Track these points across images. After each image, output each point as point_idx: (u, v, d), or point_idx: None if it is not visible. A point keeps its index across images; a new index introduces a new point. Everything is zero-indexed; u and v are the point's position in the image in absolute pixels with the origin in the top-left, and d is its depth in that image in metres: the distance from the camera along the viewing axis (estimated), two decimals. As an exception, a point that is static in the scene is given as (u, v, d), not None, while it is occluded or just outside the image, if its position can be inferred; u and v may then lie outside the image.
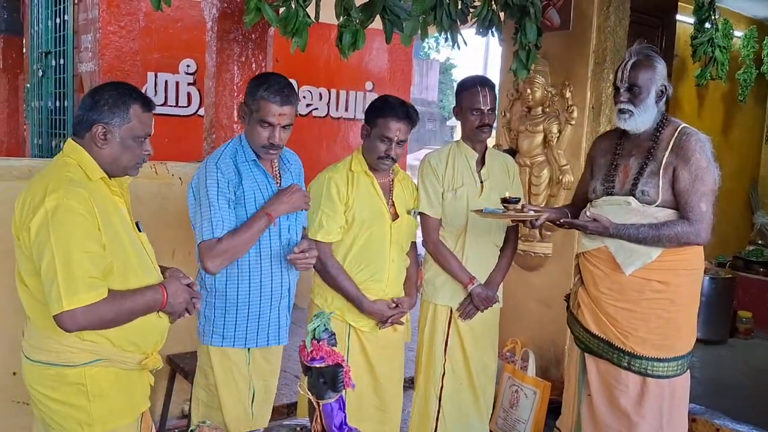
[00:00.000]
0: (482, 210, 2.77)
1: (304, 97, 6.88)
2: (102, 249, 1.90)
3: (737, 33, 5.80)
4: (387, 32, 3.34)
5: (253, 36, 3.89)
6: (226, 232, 2.35)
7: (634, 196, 2.60)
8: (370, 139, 2.77)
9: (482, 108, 2.95)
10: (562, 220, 2.67)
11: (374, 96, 7.31)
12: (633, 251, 2.59)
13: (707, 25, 5.03)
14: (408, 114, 2.75)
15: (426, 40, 16.54)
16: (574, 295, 2.86)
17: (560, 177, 3.78)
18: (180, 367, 3.49)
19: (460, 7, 3.49)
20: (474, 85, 2.98)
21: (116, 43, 5.59)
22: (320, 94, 6.95)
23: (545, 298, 3.91)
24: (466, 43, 3.60)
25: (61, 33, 6.19)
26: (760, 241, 6.15)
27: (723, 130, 6.19)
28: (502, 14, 3.55)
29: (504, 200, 2.70)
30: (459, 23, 3.49)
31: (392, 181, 2.91)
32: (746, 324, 5.46)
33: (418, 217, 3.03)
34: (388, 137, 2.72)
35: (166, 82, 5.95)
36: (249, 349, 2.54)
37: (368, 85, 7.28)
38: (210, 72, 3.95)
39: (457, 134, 12.70)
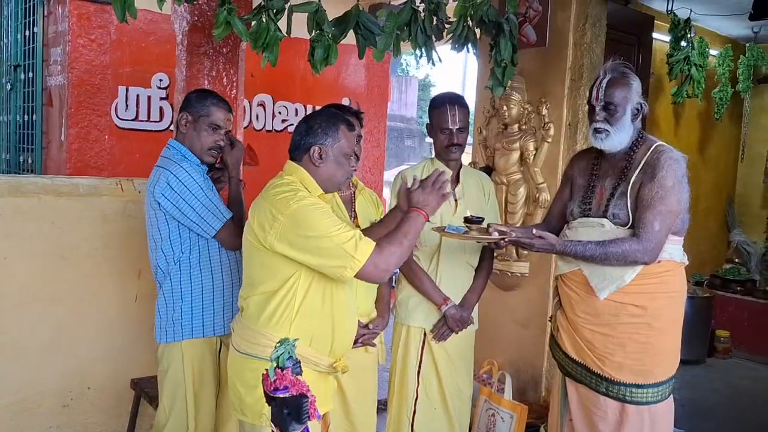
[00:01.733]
0: (444, 228, 2.68)
1: (279, 112, 6.75)
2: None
3: (713, 52, 5.80)
4: (360, 48, 3.31)
5: (224, 50, 3.79)
6: None
7: (607, 217, 2.53)
8: None
9: (451, 127, 2.88)
10: (506, 240, 2.57)
11: (351, 112, 7.23)
12: (606, 275, 2.51)
13: (683, 43, 5.02)
14: (357, 115, 2.79)
15: (404, 57, 16.54)
16: (554, 319, 2.79)
17: (537, 195, 3.72)
18: (145, 391, 3.36)
19: (434, 23, 3.45)
20: (443, 103, 2.91)
21: (86, 57, 5.48)
22: (296, 109, 6.84)
23: (522, 319, 3.84)
24: (440, 60, 3.56)
25: (30, 46, 6.06)
26: (736, 260, 6.13)
27: (699, 148, 6.19)
28: (478, 30, 3.51)
29: (467, 220, 2.60)
30: (434, 39, 3.45)
31: (353, 194, 2.86)
32: (724, 343, 5.43)
33: None
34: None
35: (137, 96, 5.78)
36: (219, 338, 2.68)
37: (345, 101, 7.18)
38: (180, 86, 3.84)
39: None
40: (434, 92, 20.18)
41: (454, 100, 2.92)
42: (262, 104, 6.65)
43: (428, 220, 2.24)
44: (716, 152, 6.43)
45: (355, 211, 2.83)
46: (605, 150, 2.56)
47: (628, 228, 2.47)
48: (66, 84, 5.48)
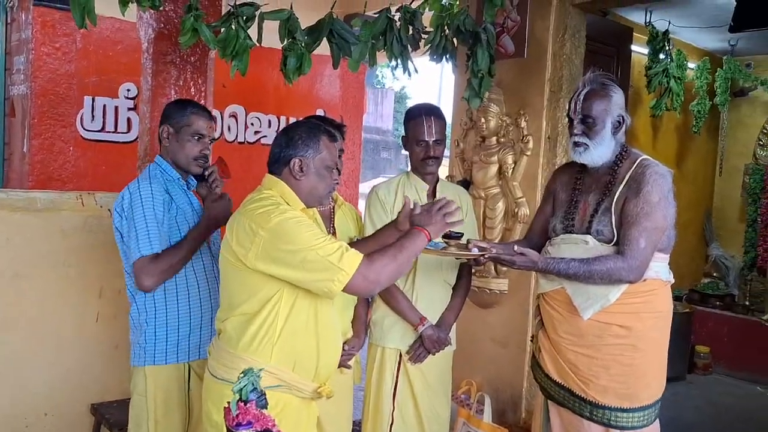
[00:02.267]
0: None
1: (252, 124, 6.64)
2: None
3: (690, 65, 5.80)
4: (334, 57, 3.23)
5: (192, 59, 3.66)
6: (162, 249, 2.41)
7: (591, 234, 2.44)
8: None
9: (427, 139, 2.79)
10: (486, 256, 2.47)
11: (326, 124, 7.11)
12: (590, 294, 2.41)
13: (662, 55, 5.00)
14: (340, 129, 2.70)
15: (381, 68, 16.50)
16: (536, 339, 2.69)
17: (516, 210, 3.63)
18: (105, 417, 3.18)
19: (411, 32, 3.36)
20: (419, 114, 2.82)
21: (50, 65, 5.34)
22: (269, 121, 6.71)
23: (501, 338, 3.73)
24: (417, 71, 3.50)
25: (-7, 54, 5.86)
26: (715, 274, 6.10)
27: (677, 161, 6.16)
28: (455, 41, 3.43)
29: (445, 235, 2.47)
30: (410, 50, 3.36)
31: (332, 209, 2.77)
32: (704, 359, 5.38)
33: None
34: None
35: (104, 106, 5.64)
36: (187, 364, 2.55)
37: (319, 113, 7.07)
38: (145, 96, 3.71)
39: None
40: (410, 104, 20.19)
41: (430, 112, 2.82)
42: (234, 115, 6.54)
43: (430, 240, 2.16)
44: (694, 165, 6.42)
45: (334, 226, 2.75)
46: (586, 164, 2.48)
47: (613, 245, 2.38)
48: (29, 93, 5.32)
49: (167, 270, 2.41)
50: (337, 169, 2.27)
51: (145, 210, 2.40)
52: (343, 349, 2.64)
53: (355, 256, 1.95)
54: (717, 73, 5.97)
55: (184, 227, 2.51)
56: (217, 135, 6.42)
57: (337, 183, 2.27)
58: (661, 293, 2.47)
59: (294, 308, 2.03)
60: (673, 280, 2.51)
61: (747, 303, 5.62)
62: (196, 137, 2.58)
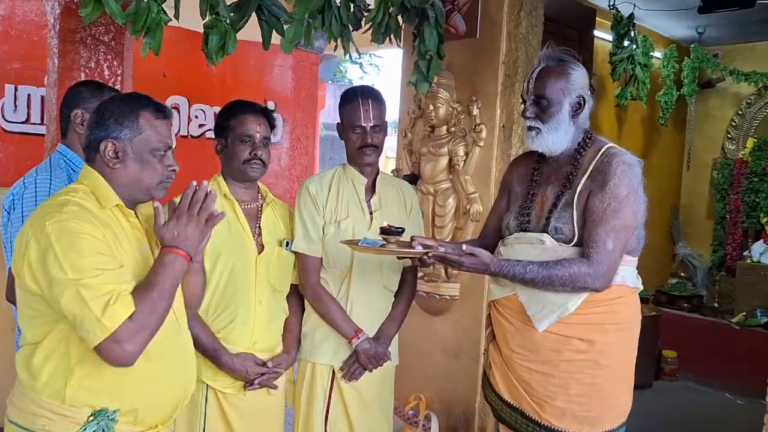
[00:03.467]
0: (357, 241, 2.25)
1: (196, 116, 6.27)
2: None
3: (657, 54, 5.63)
4: (264, 37, 2.92)
5: (105, 38, 3.26)
6: None
7: (548, 232, 2.14)
8: (228, 149, 2.44)
9: (363, 125, 2.49)
10: (431, 254, 2.14)
11: (277, 117, 6.77)
12: (546, 302, 2.12)
13: (626, 41, 4.75)
14: (264, 110, 2.48)
15: (343, 62, 16.15)
16: (486, 353, 2.42)
17: (468, 206, 3.33)
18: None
19: (352, 10, 3.04)
20: (355, 97, 2.52)
21: None
22: (215, 113, 6.32)
23: (452, 348, 3.42)
24: (359, 53, 3.19)
25: None
26: (682, 274, 5.92)
27: (643, 154, 5.93)
28: (400, 18, 3.11)
29: (384, 231, 2.19)
30: (351, 29, 3.03)
31: (261, 206, 2.49)
32: (671, 364, 5.17)
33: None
34: (248, 135, 2.41)
35: (28, 95, 5.19)
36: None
37: (270, 105, 6.71)
38: (51, 79, 3.31)
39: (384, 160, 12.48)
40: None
41: (366, 94, 2.53)
42: (176, 107, 6.15)
43: (191, 261, 1.70)
44: (660, 159, 6.24)
45: (259, 226, 2.46)
46: (540, 151, 2.19)
47: (573, 245, 2.10)
48: (-60, 81, 4.86)
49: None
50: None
51: (38, 203, 2.12)
52: (266, 366, 2.39)
53: (124, 309, 1.52)
54: (684, 62, 5.83)
55: None
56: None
57: (174, 170, 1.81)
58: (628, 301, 2.21)
59: None
60: (641, 287, 2.25)
61: (716, 305, 5.48)
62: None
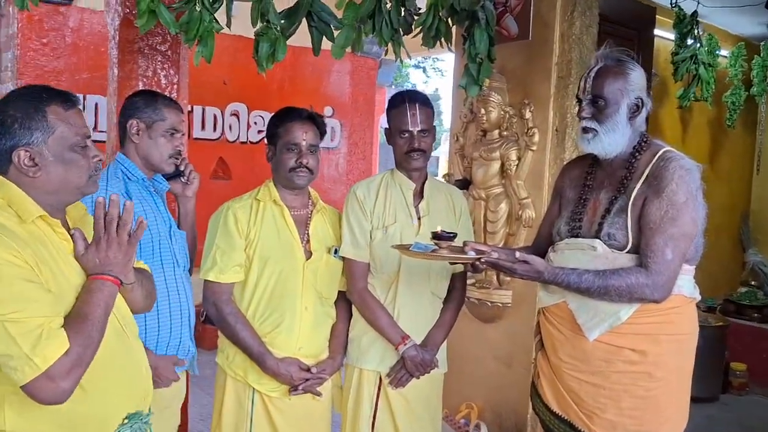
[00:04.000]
0: (409, 246, 2.21)
1: (255, 123, 6.39)
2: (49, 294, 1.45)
3: (723, 51, 5.39)
4: (314, 43, 2.93)
5: (162, 47, 3.34)
6: None
7: (600, 239, 2.06)
8: (276, 157, 2.48)
9: (411, 129, 2.47)
10: (483, 260, 2.08)
11: (334, 122, 6.83)
12: (597, 310, 2.05)
13: (689, 40, 4.56)
14: (311, 116, 2.48)
15: (405, 67, 16.16)
16: (535, 362, 2.35)
17: (520, 212, 3.25)
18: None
19: (403, 14, 3.02)
20: (402, 101, 2.50)
21: (37, 62, 5.14)
22: (272, 119, 6.45)
23: (504, 356, 3.35)
24: (410, 57, 3.16)
25: (-16, 52, 5.67)
26: (753, 282, 5.64)
27: (710, 158, 5.73)
28: (450, 21, 3.07)
29: (435, 236, 2.14)
30: (401, 33, 3.02)
31: (311, 213, 2.50)
32: (740, 378, 4.93)
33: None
34: (295, 143, 2.43)
35: (96, 104, 5.39)
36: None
37: (327, 111, 6.80)
38: (111, 89, 3.41)
39: (442, 166, 12.34)
40: (443, 106, 19.75)
41: (414, 98, 2.52)
42: (235, 114, 6.31)
43: (121, 285, 1.58)
44: (729, 163, 5.98)
45: (308, 233, 2.47)
46: (596, 154, 2.12)
47: (627, 252, 2.02)
48: (15, 91, 5.08)
49: None
50: (88, 138, 1.61)
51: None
52: (310, 371, 2.39)
53: (58, 345, 1.38)
54: (754, 61, 5.53)
55: (146, 234, 2.23)
56: (217, 135, 6.19)
57: (100, 159, 1.63)
58: (684, 311, 2.11)
59: None
60: (698, 297, 2.14)
61: (789, 315, 5.16)
62: (171, 133, 2.37)
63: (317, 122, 2.48)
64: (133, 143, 2.36)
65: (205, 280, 2.40)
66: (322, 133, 2.51)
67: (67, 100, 1.57)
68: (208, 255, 2.41)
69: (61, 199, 1.58)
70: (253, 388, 2.39)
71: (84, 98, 5.36)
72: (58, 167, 1.53)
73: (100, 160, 1.62)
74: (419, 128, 2.46)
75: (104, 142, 5.20)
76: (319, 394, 2.44)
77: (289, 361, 2.36)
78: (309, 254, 2.44)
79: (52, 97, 1.55)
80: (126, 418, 1.39)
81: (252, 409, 2.39)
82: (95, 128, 5.43)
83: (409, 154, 2.48)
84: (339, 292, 2.58)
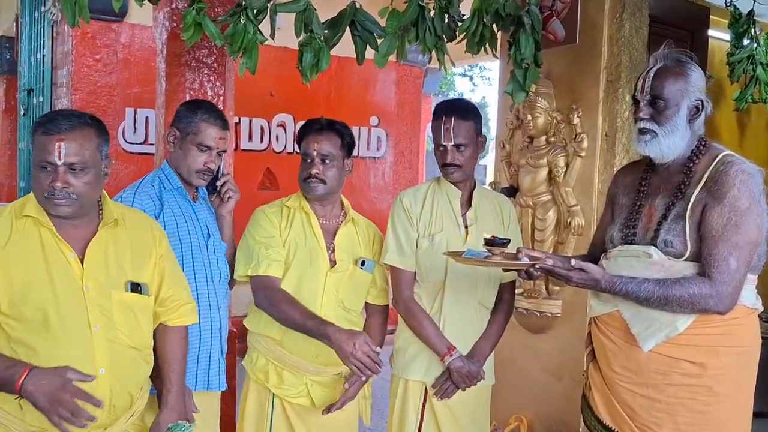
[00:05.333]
0: (461, 253, 2.16)
1: (301, 132, 6.40)
2: None
3: None
4: (358, 52, 2.94)
5: (208, 60, 3.40)
6: None
7: (656, 246, 1.99)
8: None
9: (444, 144, 2.42)
10: (537, 266, 2.03)
11: (380, 132, 6.83)
12: (653, 320, 1.99)
13: (746, 40, 4.41)
14: (326, 127, 2.46)
15: (449, 75, 16.12)
16: (586, 373, 2.29)
17: (569, 220, 3.18)
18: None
19: (446, 21, 3.00)
20: (440, 114, 2.45)
21: (91, 77, 5.28)
22: (319, 129, 6.47)
23: (554, 368, 3.27)
24: (454, 64, 3.12)
25: (41, 69, 5.85)
26: (817, 290, 5.38)
27: (770, 162, 5.50)
28: (494, 27, 3.04)
29: (487, 242, 2.09)
30: (445, 40, 2.99)
31: (339, 223, 2.50)
32: (806, 391, 4.67)
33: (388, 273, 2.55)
34: (306, 153, 2.44)
35: (146, 118, 5.51)
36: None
37: (373, 120, 6.80)
38: (159, 101, 3.48)
39: (489, 174, 12.27)
40: (490, 114, 19.60)
41: (451, 110, 2.44)
42: (282, 125, 6.35)
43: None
44: (791, 168, 5.70)
45: (334, 243, 2.46)
46: (653, 157, 2.06)
47: (684, 260, 1.96)
48: (70, 107, 5.23)
49: None
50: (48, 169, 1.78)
51: None
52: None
53: None
54: (816, 60, 5.26)
55: (174, 240, 2.25)
56: (264, 146, 6.23)
57: (55, 185, 1.77)
58: (745, 323, 2.03)
59: None
60: (761, 308, 2.07)
61: None
62: (202, 148, 2.33)
63: (339, 132, 2.45)
64: (170, 152, 2.40)
65: (254, 276, 2.34)
66: (347, 143, 2.47)
67: (43, 124, 1.76)
68: (253, 254, 2.35)
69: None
70: (273, 393, 2.38)
71: (135, 112, 5.49)
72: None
73: (61, 188, 1.73)
74: (453, 143, 2.41)
75: (153, 155, 5.39)
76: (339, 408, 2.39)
77: (357, 334, 2.18)
78: (333, 263, 2.42)
79: (39, 125, 1.77)
80: (168, 429, 1.39)
81: (272, 413, 2.39)
82: (145, 141, 5.55)
83: (445, 168, 2.46)
84: (377, 305, 2.56)
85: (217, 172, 2.41)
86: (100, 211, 1.88)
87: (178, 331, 2.00)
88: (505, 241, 2.09)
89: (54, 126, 1.74)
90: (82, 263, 1.77)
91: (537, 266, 2.03)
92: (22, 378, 1.58)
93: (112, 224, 1.87)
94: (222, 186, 2.43)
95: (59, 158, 1.70)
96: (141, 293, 1.86)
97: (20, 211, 1.77)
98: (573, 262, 2.03)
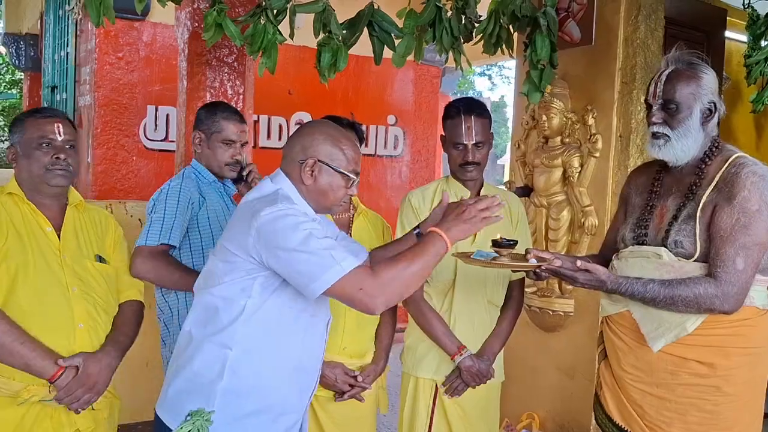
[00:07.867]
0: (470, 254, 2.17)
1: (319, 131, 6.43)
2: None
3: None
4: (376, 52, 2.98)
5: (228, 59, 3.46)
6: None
7: (666, 246, 2.00)
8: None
9: (465, 142, 2.42)
10: (543, 267, 2.04)
11: (398, 131, 6.86)
12: (662, 320, 1.99)
13: (763, 42, 4.37)
14: (350, 125, 2.43)
15: (468, 74, 16.11)
16: (597, 372, 2.29)
17: (583, 220, 3.17)
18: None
19: (463, 22, 3.02)
20: (458, 112, 2.45)
21: (113, 75, 5.35)
22: (338, 128, 6.51)
23: (567, 366, 3.27)
24: (470, 65, 3.15)
25: (65, 66, 5.95)
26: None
27: (788, 165, 5.44)
28: (511, 28, 3.06)
29: (495, 243, 2.09)
30: (462, 41, 3.02)
31: (352, 216, 2.52)
32: (821, 393, 4.64)
33: None
34: None
35: (167, 116, 5.58)
36: None
37: (390, 119, 6.83)
38: (181, 100, 3.54)
39: (507, 174, 12.23)
40: (509, 113, 19.51)
41: (470, 109, 2.45)
42: (300, 123, 6.37)
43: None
44: (809, 170, 5.64)
45: (350, 235, 2.47)
46: (666, 160, 2.06)
47: (694, 261, 1.96)
48: (93, 104, 5.34)
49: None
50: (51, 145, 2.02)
51: (168, 202, 2.43)
52: (355, 380, 2.40)
53: None
54: (835, 63, 5.20)
55: (217, 231, 2.50)
56: (282, 143, 6.28)
57: (59, 158, 2.02)
58: (756, 324, 2.01)
59: None
60: None
61: None
62: (227, 143, 2.62)
63: (360, 135, 2.47)
64: (198, 153, 2.65)
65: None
66: (360, 139, 2.46)
67: (38, 111, 2.07)
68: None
69: (36, 188, 2.01)
70: None
71: (156, 109, 5.55)
72: (24, 161, 1.99)
73: (58, 158, 1.98)
74: (473, 141, 2.42)
75: (174, 151, 5.46)
76: (361, 400, 2.44)
77: (334, 365, 2.36)
78: None
79: (31, 114, 2.05)
80: (188, 415, 1.44)
81: None
82: (166, 138, 5.62)
83: (464, 166, 2.45)
84: None
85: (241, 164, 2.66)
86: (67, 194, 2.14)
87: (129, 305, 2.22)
88: (512, 242, 2.09)
89: (48, 111, 2.08)
90: (59, 237, 2.01)
91: (543, 267, 2.04)
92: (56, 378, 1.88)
93: (76, 206, 2.12)
94: (248, 175, 2.63)
95: (59, 135, 1.99)
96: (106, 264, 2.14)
97: (2, 190, 2.01)
98: (578, 263, 2.03)
